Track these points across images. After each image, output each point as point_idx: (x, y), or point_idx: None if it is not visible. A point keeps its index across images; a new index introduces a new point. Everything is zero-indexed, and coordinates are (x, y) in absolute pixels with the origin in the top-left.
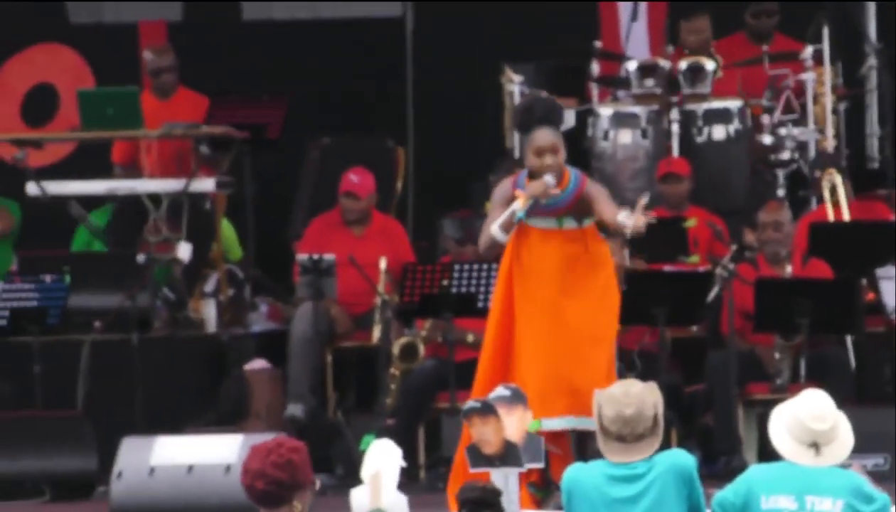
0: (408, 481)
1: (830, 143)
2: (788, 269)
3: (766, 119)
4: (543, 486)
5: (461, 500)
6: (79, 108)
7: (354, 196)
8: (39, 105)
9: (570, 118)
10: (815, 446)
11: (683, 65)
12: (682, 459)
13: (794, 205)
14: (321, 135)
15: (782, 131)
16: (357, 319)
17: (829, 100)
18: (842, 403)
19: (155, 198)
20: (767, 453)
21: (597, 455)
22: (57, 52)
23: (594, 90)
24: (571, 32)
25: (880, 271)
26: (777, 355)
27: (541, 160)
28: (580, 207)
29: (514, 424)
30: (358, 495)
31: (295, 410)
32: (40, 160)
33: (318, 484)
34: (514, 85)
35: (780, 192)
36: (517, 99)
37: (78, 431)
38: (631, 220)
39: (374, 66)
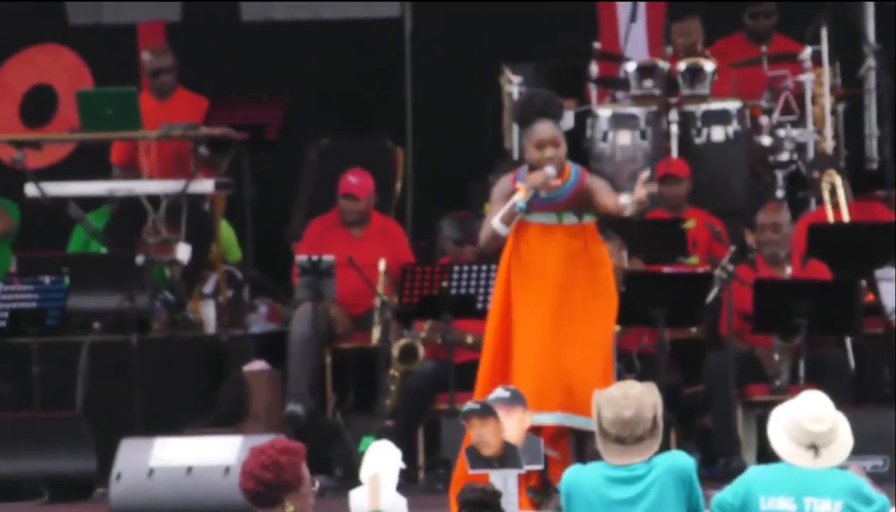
0: (407, 483)
1: (829, 144)
2: (787, 270)
3: (764, 120)
4: (542, 490)
5: (461, 501)
6: (78, 109)
7: (353, 197)
8: (38, 106)
9: (568, 119)
10: (814, 448)
11: (682, 66)
12: (682, 460)
13: (793, 206)
14: (320, 135)
15: (781, 132)
16: (356, 320)
17: (827, 101)
18: (841, 404)
19: (154, 199)
20: (766, 455)
21: (596, 457)
22: (56, 53)
23: (593, 91)
24: (570, 33)
25: (879, 272)
26: (776, 357)
27: (541, 153)
28: (580, 202)
29: (514, 426)
30: (357, 497)
31: (295, 407)
32: (39, 161)
33: (317, 485)
34: (513, 85)
35: (779, 194)
36: (516, 99)
37: (77, 432)
38: (632, 197)
39: (372, 67)
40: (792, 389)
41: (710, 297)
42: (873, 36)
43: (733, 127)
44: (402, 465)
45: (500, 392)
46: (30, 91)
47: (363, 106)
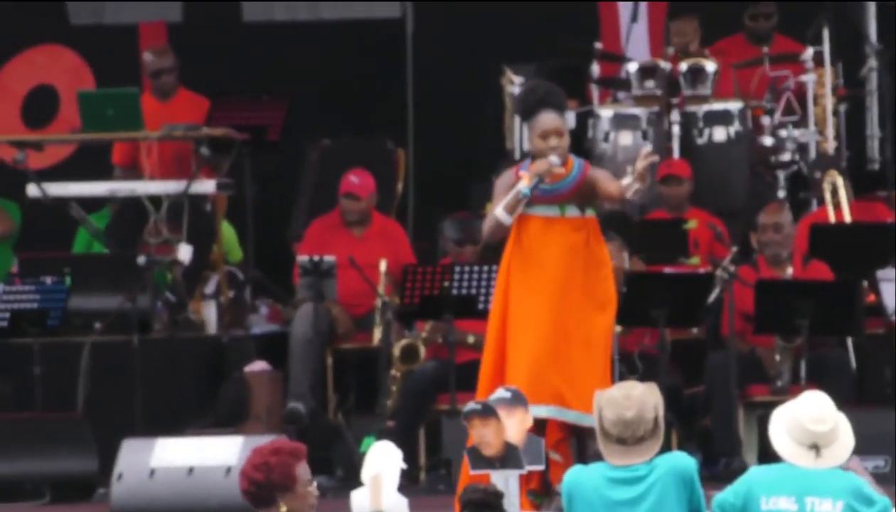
0: (408, 483)
1: (831, 145)
2: (789, 270)
3: (766, 121)
4: (543, 492)
5: (463, 501)
6: (79, 110)
7: (354, 197)
8: (40, 106)
9: (570, 120)
10: (816, 448)
11: (684, 66)
12: (683, 461)
13: (795, 206)
14: (321, 136)
15: (783, 133)
16: (357, 320)
17: (829, 101)
18: (842, 404)
19: (155, 199)
20: (767, 455)
21: (597, 457)
22: (57, 54)
23: (594, 92)
24: (571, 34)
25: (881, 273)
26: (777, 357)
27: (546, 142)
28: (583, 194)
29: (515, 426)
30: (358, 497)
31: (296, 405)
32: (40, 162)
33: (313, 485)
34: (515, 86)
35: (781, 194)
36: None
37: (78, 432)
38: (633, 174)
39: (373, 68)
40: (793, 389)
41: (712, 297)
42: (875, 36)
43: (735, 127)
44: (403, 465)
45: (501, 393)
46: (31, 92)
47: (364, 106)
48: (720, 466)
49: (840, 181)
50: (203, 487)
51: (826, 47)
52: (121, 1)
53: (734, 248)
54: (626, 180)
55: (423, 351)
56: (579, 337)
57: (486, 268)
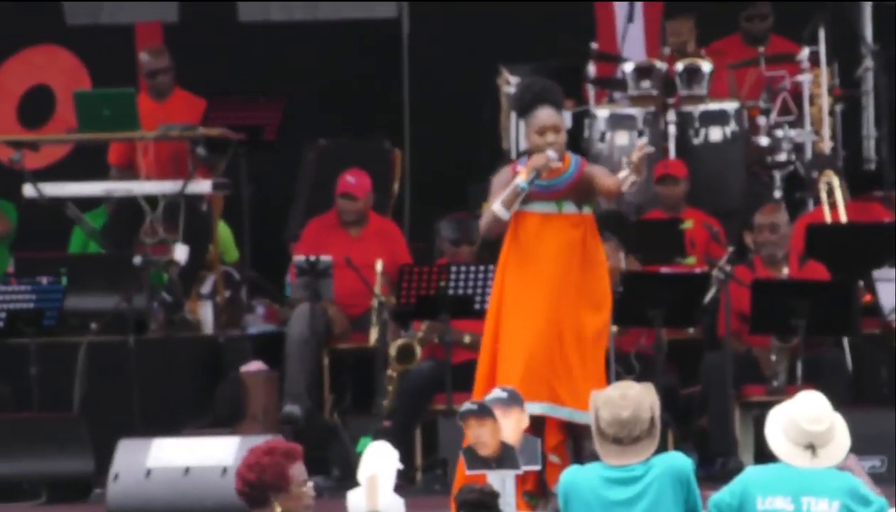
0: (404, 483)
1: (827, 145)
2: (785, 270)
3: (762, 121)
4: (539, 494)
5: (459, 501)
6: (75, 110)
7: (351, 197)
8: (36, 106)
9: (566, 120)
10: (812, 448)
11: (680, 66)
12: (679, 461)
13: (791, 206)
14: (318, 136)
15: (779, 133)
16: (354, 320)
17: (825, 101)
18: (838, 405)
19: (151, 199)
20: (764, 455)
21: (593, 458)
22: (53, 54)
23: (591, 92)
24: (568, 34)
25: (877, 273)
26: (773, 357)
27: (543, 138)
28: (580, 190)
29: (511, 427)
30: (354, 498)
31: (292, 408)
32: (37, 162)
33: (309, 485)
34: (511, 86)
35: (777, 194)
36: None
37: (74, 432)
38: (629, 166)
39: (370, 68)
40: (789, 389)
41: (708, 297)
42: (871, 37)
43: (731, 127)
44: (399, 465)
45: (497, 393)
46: (27, 92)
47: (361, 107)
48: (716, 466)
49: (836, 181)
50: (199, 488)
51: (822, 47)
52: (117, 1)
53: (730, 249)
54: (622, 173)
55: (419, 351)
56: (573, 334)
57: (482, 268)
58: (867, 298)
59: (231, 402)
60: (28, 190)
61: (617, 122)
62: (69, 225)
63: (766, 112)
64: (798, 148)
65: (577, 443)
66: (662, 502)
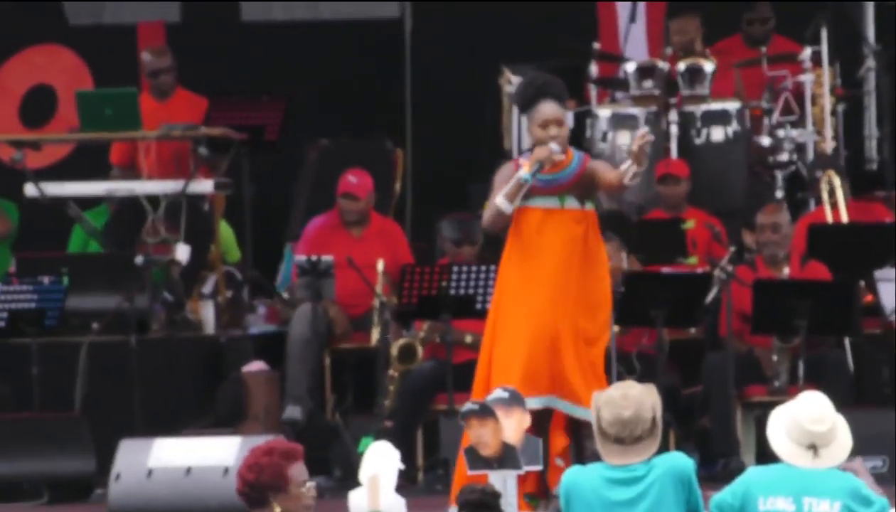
0: (406, 484)
1: (829, 145)
2: (786, 270)
3: (764, 121)
4: (540, 495)
5: (460, 502)
6: (77, 110)
7: (353, 197)
8: (38, 106)
9: (568, 120)
10: (814, 448)
11: (682, 66)
12: (681, 461)
13: (793, 206)
14: (319, 136)
15: (781, 133)
16: (355, 320)
17: (827, 101)
18: (840, 405)
19: (153, 199)
20: (765, 456)
21: (595, 458)
22: (55, 53)
23: (593, 92)
24: (570, 34)
25: (879, 273)
26: (775, 357)
27: (546, 132)
28: (583, 186)
29: (513, 427)
30: (356, 498)
31: (293, 412)
32: (38, 161)
33: (307, 486)
34: (513, 86)
35: (779, 194)
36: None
37: (76, 432)
38: (629, 156)
39: (372, 68)
40: (791, 389)
41: (710, 297)
42: (873, 36)
43: (733, 127)
44: (401, 465)
45: (498, 392)
46: (29, 91)
47: (363, 107)
48: (718, 466)
49: (838, 181)
50: (201, 488)
51: (824, 47)
52: (119, 1)
53: (732, 249)
54: (624, 165)
55: (420, 351)
56: (573, 330)
57: (483, 268)
58: (868, 298)
59: (232, 402)
60: (30, 189)
61: (619, 121)
62: (71, 225)
63: (768, 112)
64: (800, 148)
65: (578, 443)
66: (664, 503)
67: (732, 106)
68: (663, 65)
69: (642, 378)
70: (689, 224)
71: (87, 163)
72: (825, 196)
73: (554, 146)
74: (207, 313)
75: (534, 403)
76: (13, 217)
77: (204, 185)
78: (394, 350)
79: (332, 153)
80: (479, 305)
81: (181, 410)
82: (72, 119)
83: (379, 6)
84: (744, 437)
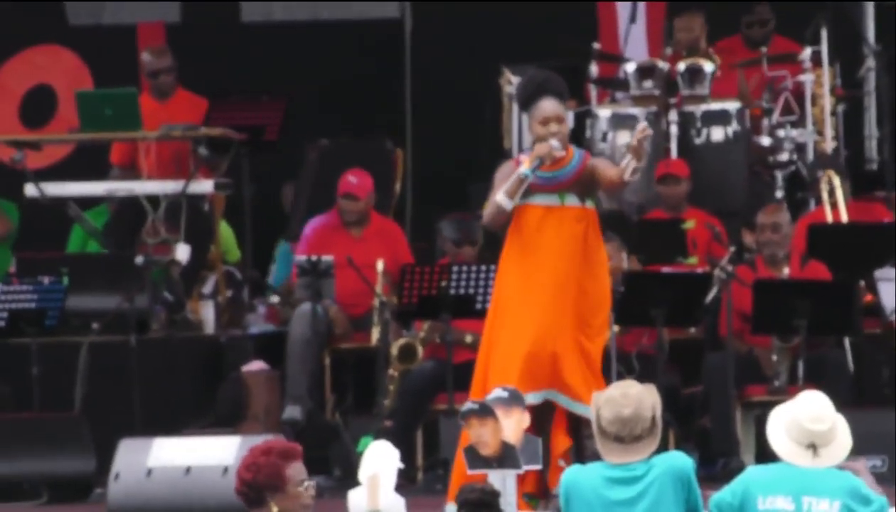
0: (405, 483)
1: (829, 145)
2: (786, 270)
3: (764, 121)
4: (539, 495)
5: (460, 501)
6: (77, 110)
7: (353, 197)
8: (38, 106)
9: (568, 120)
10: (813, 448)
11: (682, 66)
12: (680, 461)
13: (793, 206)
14: (319, 136)
15: (781, 133)
16: (355, 320)
17: (827, 101)
18: (839, 405)
19: (153, 199)
20: (765, 455)
21: (595, 457)
22: (55, 54)
23: (593, 92)
24: (570, 34)
25: (879, 273)
26: (775, 357)
27: (546, 128)
28: (584, 183)
29: (512, 426)
30: (355, 497)
31: (293, 412)
32: (38, 162)
33: (306, 485)
34: (513, 86)
35: (779, 194)
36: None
37: (76, 432)
38: (629, 151)
39: (372, 68)
40: (791, 389)
41: (710, 297)
42: (873, 37)
43: (733, 127)
44: (400, 465)
45: (498, 392)
46: (29, 91)
47: (363, 107)
48: (718, 465)
49: (838, 181)
50: (200, 487)
51: (824, 47)
52: (119, 1)
53: (732, 248)
54: (624, 161)
55: (420, 351)
56: (571, 329)
57: (483, 268)
58: (868, 298)
59: (232, 401)
60: (30, 190)
61: (619, 122)
62: (71, 225)
63: (768, 112)
64: (800, 148)
65: (578, 443)
66: (663, 502)
67: (732, 106)
68: (663, 65)
69: (642, 378)
70: (690, 224)
71: (87, 163)
72: (825, 196)
73: (554, 143)
74: (207, 313)
75: (533, 398)
76: (13, 217)
77: (204, 186)
78: (394, 350)
79: (332, 153)
80: (479, 305)
81: (181, 409)
82: (72, 119)
83: (379, 6)
84: (743, 436)
